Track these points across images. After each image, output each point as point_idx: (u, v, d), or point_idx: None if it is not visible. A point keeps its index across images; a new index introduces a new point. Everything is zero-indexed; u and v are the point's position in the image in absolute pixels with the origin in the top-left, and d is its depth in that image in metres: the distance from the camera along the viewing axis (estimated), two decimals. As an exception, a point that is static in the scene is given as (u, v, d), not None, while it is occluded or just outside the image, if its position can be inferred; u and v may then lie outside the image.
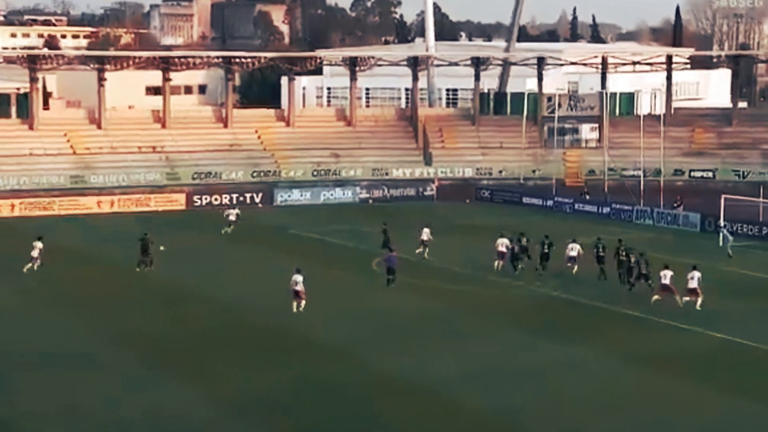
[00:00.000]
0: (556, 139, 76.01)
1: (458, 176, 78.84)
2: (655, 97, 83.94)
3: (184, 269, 44.94)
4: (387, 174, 77.77)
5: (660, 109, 78.25)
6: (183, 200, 67.83)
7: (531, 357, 30.90)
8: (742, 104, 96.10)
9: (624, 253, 41.13)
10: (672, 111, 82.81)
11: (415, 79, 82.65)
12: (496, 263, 44.57)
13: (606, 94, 75.21)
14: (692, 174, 77.87)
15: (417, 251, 47.21)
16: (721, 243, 49.69)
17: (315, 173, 75.87)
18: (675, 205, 61.17)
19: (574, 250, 44.08)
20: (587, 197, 66.79)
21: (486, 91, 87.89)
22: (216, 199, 68.10)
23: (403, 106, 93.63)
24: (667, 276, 36.86)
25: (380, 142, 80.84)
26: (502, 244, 44.78)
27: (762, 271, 43.22)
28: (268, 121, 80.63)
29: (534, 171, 78.50)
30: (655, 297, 36.77)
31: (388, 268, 41.82)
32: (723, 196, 53.31)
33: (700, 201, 61.72)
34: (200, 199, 68.12)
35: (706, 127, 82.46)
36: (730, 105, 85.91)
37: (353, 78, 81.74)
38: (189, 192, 69.24)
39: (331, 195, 71.41)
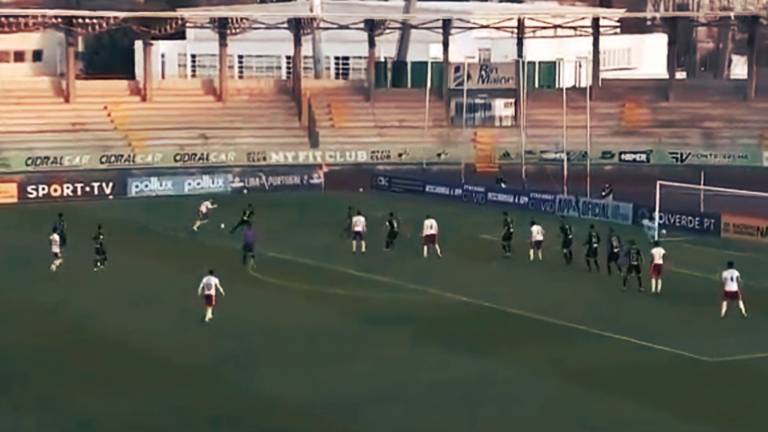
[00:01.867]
0: (465, 116, 76.77)
1: (350, 161, 78.96)
2: (579, 66, 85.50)
3: (18, 276, 44.05)
4: (265, 159, 77.40)
5: (586, 81, 79.76)
6: (14, 191, 66.36)
7: (438, 374, 31.16)
8: (681, 75, 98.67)
9: (596, 239, 44.10)
10: (600, 83, 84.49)
11: (298, 44, 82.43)
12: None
13: (523, 63, 76.27)
14: (623, 157, 79.59)
15: (351, 242, 48.77)
16: (655, 235, 51.04)
17: (178, 158, 75.12)
18: (603, 193, 62.39)
19: (539, 233, 46.86)
20: (503, 185, 67.65)
21: (382, 59, 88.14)
22: (56, 190, 66.80)
23: (284, 77, 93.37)
24: (734, 277, 37.45)
25: (256, 121, 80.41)
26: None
27: (702, 270, 44.42)
28: (120, 94, 79.39)
29: (439, 154, 79.10)
30: (723, 306, 37.32)
31: (245, 244, 45.44)
32: (658, 183, 54.54)
33: (632, 188, 63.04)
34: (35, 189, 66.73)
35: (639, 101, 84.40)
36: (666, 76, 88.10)
37: (223, 43, 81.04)
38: (21, 181, 67.73)
39: (198, 184, 70.74)
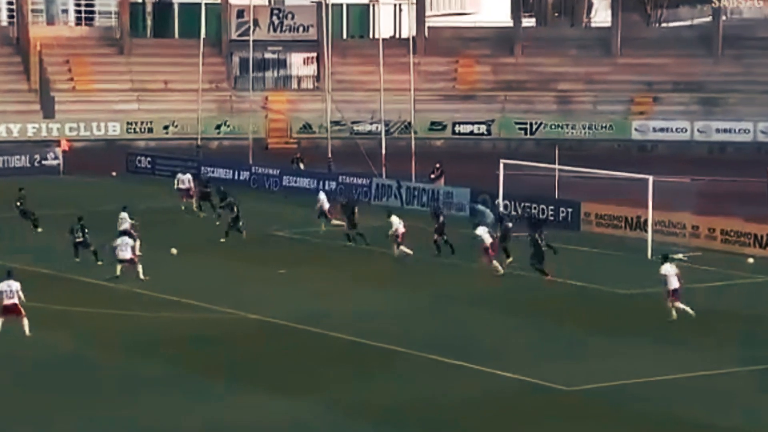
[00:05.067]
0: (252, 76, 76.99)
1: (99, 135, 78.43)
2: (400, 11, 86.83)
3: None
4: (-18, 133, 76.25)
5: (408, 31, 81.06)
6: None
7: (221, 421, 31.45)
8: (529, 22, 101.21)
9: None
10: (426, 33, 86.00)
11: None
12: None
13: (327, 6, 77.03)
14: (457, 129, 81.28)
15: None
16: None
17: None
18: (432, 176, 63.56)
19: (401, 224, 48.65)
20: (301, 166, 68.23)
21: (140, 0, 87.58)
22: None
23: (5, 23, 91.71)
24: (675, 273, 39.30)
25: (-30, 82, 79.06)
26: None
27: (558, 274, 45.84)
28: None
29: (219, 126, 79.21)
30: (671, 307, 39.11)
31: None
32: (502, 162, 55.89)
33: (470, 169, 64.40)
34: None
35: (477, 57, 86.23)
36: (510, 24, 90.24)
37: None
38: None
39: None
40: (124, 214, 49.35)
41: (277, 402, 32.25)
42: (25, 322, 37.25)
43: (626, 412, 31.77)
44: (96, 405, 32.11)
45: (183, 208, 59.39)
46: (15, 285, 37.43)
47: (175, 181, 60.70)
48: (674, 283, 39.35)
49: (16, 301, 37.23)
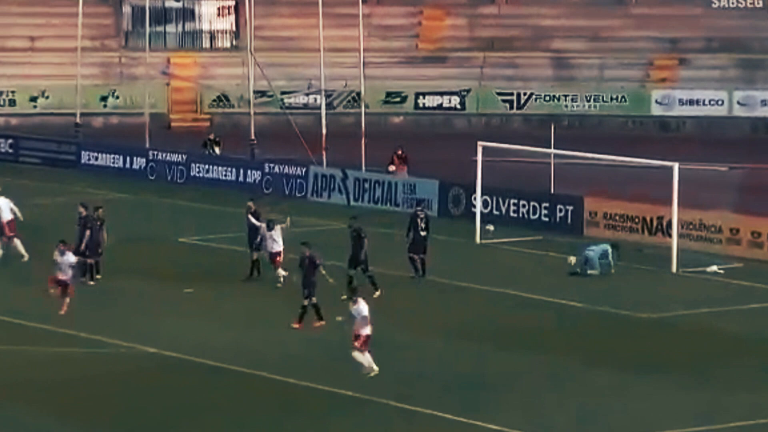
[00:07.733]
0: (149, 31, 76.69)
1: (-57, 110, 78.39)
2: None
3: None
4: None
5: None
6: None
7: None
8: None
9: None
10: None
11: None
12: None
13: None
14: (422, 101, 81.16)
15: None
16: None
17: None
18: (392, 166, 63.44)
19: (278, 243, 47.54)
20: (216, 151, 68.02)
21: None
22: None
23: None
24: (364, 315, 37.80)
25: None
26: None
27: (539, 291, 45.95)
28: None
29: (105, 98, 78.92)
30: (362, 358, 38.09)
31: None
32: (480, 145, 55.88)
33: (439, 154, 64.55)
34: None
35: (448, 7, 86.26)
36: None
37: None
38: None
39: None
40: None
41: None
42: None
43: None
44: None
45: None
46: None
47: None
48: (364, 328, 37.93)
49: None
